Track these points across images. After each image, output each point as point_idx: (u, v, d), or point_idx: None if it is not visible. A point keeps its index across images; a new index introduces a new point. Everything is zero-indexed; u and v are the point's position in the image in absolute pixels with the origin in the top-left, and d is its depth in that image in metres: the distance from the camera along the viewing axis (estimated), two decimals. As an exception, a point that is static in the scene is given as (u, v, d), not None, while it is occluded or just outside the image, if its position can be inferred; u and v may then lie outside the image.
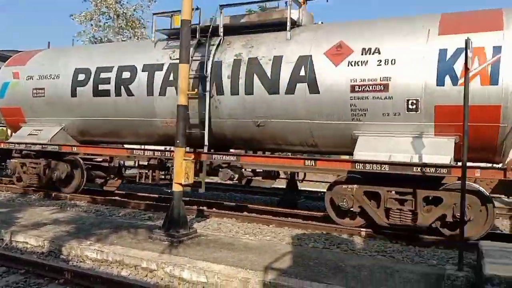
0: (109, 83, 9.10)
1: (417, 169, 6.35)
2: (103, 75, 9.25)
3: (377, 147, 6.83)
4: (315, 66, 7.24)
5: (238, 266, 4.87)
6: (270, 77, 7.56)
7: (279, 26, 7.96)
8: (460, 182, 5.33)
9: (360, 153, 6.86)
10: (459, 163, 5.79)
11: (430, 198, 6.60)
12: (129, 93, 8.87)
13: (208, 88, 7.98)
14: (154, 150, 8.77)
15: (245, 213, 8.63)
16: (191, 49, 7.61)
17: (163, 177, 8.90)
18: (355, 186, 6.96)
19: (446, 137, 6.62)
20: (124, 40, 24.43)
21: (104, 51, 10.03)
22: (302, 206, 9.78)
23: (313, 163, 7.05)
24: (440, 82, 6.44)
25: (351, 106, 7.00)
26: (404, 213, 6.64)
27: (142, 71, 8.79)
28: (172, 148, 7.69)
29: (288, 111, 7.47)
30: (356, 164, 6.72)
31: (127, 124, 9.20)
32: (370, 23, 7.52)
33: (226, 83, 7.93)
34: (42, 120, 10.25)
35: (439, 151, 6.52)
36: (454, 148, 6.52)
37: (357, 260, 5.53)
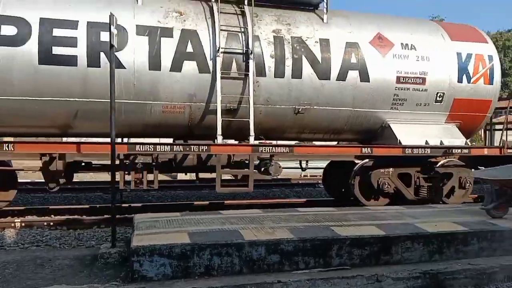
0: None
1: (451, 150, 7.71)
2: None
3: (414, 133, 7.76)
4: (364, 54, 7.38)
5: None
6: (320, 61, 7.15)
7: (307, 5, 7.55)
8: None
9: (404, 138, 7.60)
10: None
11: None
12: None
13: (252, 67, 6.76)
14: (163, 144, 6.58)
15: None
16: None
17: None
18: (391, 169, 7.71)
19: (452, 123, 8.20)
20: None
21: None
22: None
23: (370, 151, 7.35)
24: (459, 79, 7.91)
25: (394, 96, 7.60)
26: (429, 188, 7.92)
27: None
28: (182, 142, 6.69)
29: (335, 98, 7.33)
30: (406, 149, 7.48)
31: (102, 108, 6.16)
32: (395, 19, 8.20)
33: (269, 63, 6.95)
34: None
35: (453, 135, 8.05)
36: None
37: (4, 257, 4.79)
